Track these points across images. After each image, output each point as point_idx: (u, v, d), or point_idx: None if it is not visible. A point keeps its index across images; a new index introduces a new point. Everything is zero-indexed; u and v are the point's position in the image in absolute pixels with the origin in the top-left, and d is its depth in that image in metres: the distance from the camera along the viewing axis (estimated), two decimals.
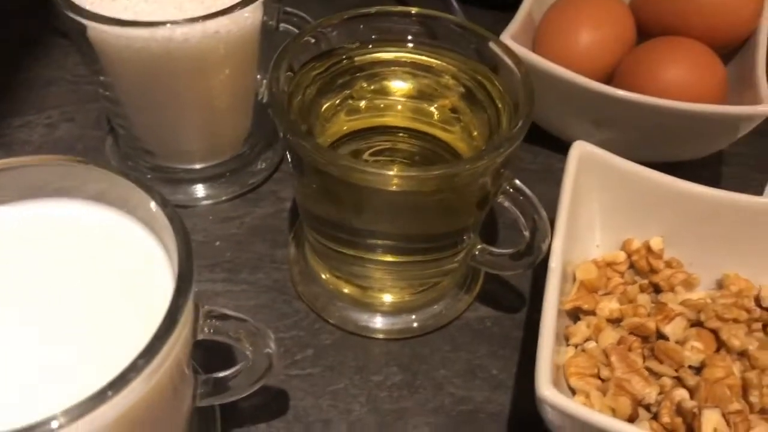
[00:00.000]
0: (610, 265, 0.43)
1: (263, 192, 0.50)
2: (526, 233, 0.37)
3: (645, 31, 0.54)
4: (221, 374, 0.34)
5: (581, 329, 0.39)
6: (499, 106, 0.38)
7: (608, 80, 0.51)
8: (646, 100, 0.46)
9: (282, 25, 0.46)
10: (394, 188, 0.34)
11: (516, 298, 0.45)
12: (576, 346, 0.39)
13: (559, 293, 0.37)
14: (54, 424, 0.23)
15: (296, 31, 0.46)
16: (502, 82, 0.38)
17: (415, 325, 0.43)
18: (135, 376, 0.24)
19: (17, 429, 0.23)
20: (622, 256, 0.43)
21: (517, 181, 0.37)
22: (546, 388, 0.31)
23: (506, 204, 0.37)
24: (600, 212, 0.43)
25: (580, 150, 0.42)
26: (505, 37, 0.48)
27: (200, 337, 0.31)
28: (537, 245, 0.37)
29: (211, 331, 0.31)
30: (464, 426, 0.39)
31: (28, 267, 0.30)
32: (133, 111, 0.45)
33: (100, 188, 0.31)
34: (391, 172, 0.33)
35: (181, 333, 0.27)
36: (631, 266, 0.43)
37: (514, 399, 0.41)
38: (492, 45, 0.38)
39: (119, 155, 0.51)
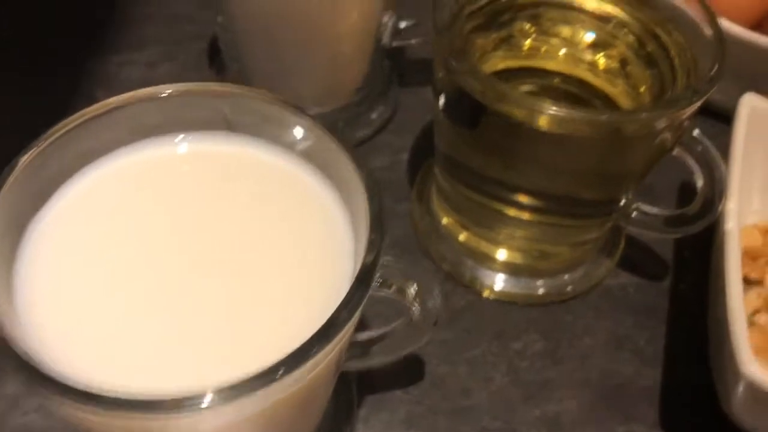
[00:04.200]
0: None
1: (378, 143, 0.47)
2: (701, 185, 0.34)
3: None
4: (375, 333, 0.31)
5: (751, 300, 0.35)
6: (675, 60, 0.34)
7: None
8: None
9: None
10: (566, 131, 0.31)
11: (658, 266, 0.42)
12: None
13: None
14: (205, 402, 0.19)
15: None
16: (682, 32, 0.34)
17: (555, 290, 0.39)
18: (316, 352, 0.21)
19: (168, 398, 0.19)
20: None
21: (697, 131, 0.33)
22: (751, 364, 0.28)
23: (683, 156, 0.34)
24: (762, 174, 0.40)
25: (751, 103, 0.38)
26: None
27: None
28: (714, 204, 0.34)
29: (377, 284, 0.28)
30: (614, 401, 0.36)
31: (197, 209, 0.27)
32: (251, 46, 0.42)
33: (280, 129, 0.28)
34: (573, 112, 0.30)
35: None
36: None
37: (665, 374, 0.37)
38: None
39: None
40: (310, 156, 0.28)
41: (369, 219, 0.24)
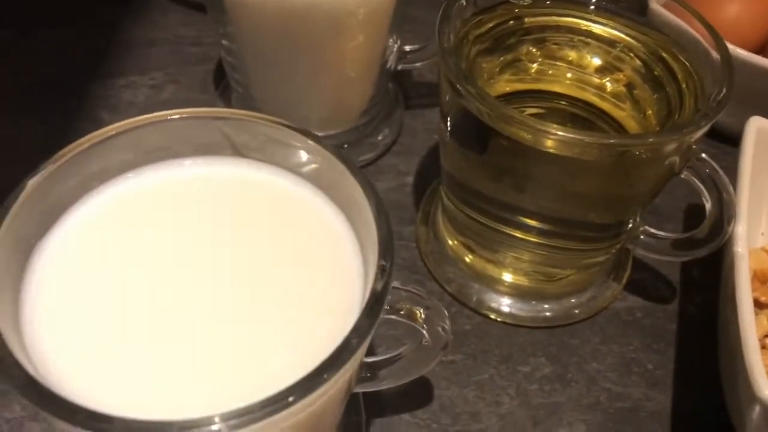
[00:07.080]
0: None
1: (383, 166, 0.46)
2: (709, 208, 0.34)
3: None
4: (385, 356, 0.31)
5: (762, 323, 0.35)
6: (683, 85, 0.34)
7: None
8: None
9: None
10: (573, 154, 0.30)
11: (665, 288, 0.42)
12: None
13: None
14: (214, 428, 0.20)
15: None
16: (688, 55, 0.34)
17: (562, 313, 0.39)
18: (327, 378, 0.21)
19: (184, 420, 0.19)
20: None
21: (704, 155, 0.33)
22: (767, 389, 0.28)
23: (690, 179, 0.33)
24: None
25: (758, 125, 0.38)
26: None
27: None
28: (723, 227, 0.33)
29: (387, 307, 0.27)
30: (624, 425, 0.36)
31: (203, 233, 0.27)
32: (256, 68, 0.42)
33: (286, 152, 0.28)
34: (581, 135, 0.30)
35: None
36: None
37: (675, 398, 0.37)
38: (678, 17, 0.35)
39: None
40: (316, 179, 0.28)
41: (378, 243, 0.24)
